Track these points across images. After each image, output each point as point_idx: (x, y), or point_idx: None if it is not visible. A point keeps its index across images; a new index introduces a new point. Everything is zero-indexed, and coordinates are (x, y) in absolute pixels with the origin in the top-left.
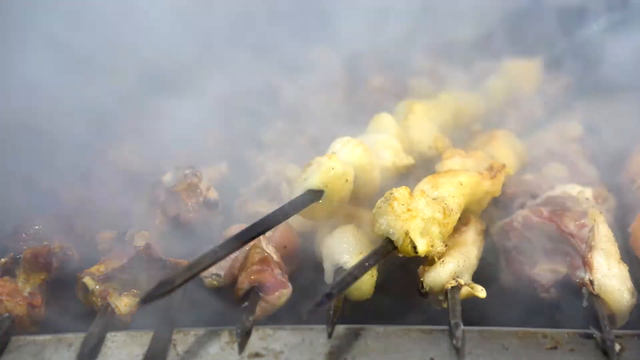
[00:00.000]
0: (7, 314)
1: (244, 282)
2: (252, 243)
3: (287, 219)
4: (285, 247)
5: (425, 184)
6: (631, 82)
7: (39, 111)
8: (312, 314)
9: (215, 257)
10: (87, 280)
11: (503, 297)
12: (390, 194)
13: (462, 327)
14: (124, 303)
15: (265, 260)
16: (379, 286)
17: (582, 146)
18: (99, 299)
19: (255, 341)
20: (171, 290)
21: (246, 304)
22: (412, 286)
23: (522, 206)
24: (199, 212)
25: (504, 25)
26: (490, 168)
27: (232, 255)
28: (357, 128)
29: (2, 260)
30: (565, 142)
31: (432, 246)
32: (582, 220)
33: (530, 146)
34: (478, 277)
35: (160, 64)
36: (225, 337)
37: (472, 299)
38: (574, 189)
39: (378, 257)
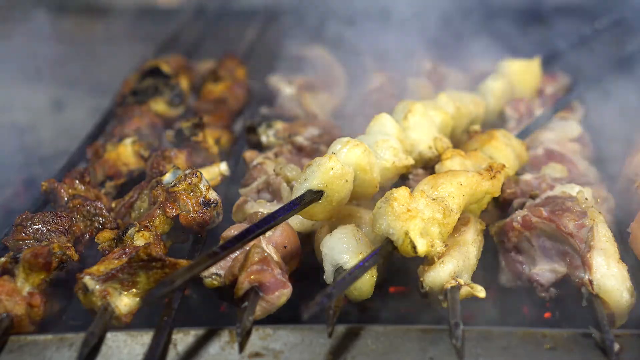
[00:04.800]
0: (5, 314)
1: (244, 282)
2: (252, 243)
3: (287, 219)
4: (285, 247)
5: (425, 185)
6: None
7: None
8: (312, 314)
9: (215, 257)
10: (87, 280)
11: (503, 297)
12: (390, 194)
13: (462, 327)
14: (124, 303)
15: (265, 260)
16: (379, 286)
17: (582, 146)
18: (99, 299)
19: (256, 341)
20: (171, 291)
21: (246, 304)
22: (412, 286)
23: (521, 206)
24: (199, 212)
25: None
26: (490, 168)
27: (232, 255)
28: None
29: (2, 259)
30: (565, 142)
31: (431, 246)
32: (582, 220)
33: (530, 146)
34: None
35: None
36: (225, 337)
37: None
38: (573, 189)
39: (378, 257)
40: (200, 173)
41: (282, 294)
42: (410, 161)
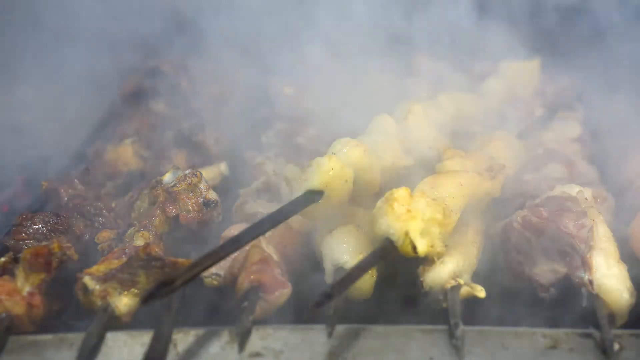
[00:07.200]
0: (5, 314)
1: (244, 282)
2: (252, 243)
3: (287, 219)
4: (285, 247)
5: (425, 185)
6: None
7: None
8: (312, 314)
9: (215, 257)
10: (87, 280)
11: (503, 297)
12: (390, 194)
13: (462, 326)
14: (123, 303)
15: (265, 260)
16: (379, 286)
17: (582, 146)
18: (99, 299)
19: (256, 341)
20: (172, 291)
21: (246, 304)
22: (412, 286)
23: (521, 206)
24: (199, 212)
25: None
26: (490, 169)
27: (232, 255)
28: None
29: (2, 259)
30: (565, 142)
31: (432, 246)
32: (582, 221)
33: (530, 146)
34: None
35: None
36: (225, 337)
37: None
38: (573, 189)
39: (378, 257)
40: (200, 173)
41: (282, 294)
42: (410, 161)
